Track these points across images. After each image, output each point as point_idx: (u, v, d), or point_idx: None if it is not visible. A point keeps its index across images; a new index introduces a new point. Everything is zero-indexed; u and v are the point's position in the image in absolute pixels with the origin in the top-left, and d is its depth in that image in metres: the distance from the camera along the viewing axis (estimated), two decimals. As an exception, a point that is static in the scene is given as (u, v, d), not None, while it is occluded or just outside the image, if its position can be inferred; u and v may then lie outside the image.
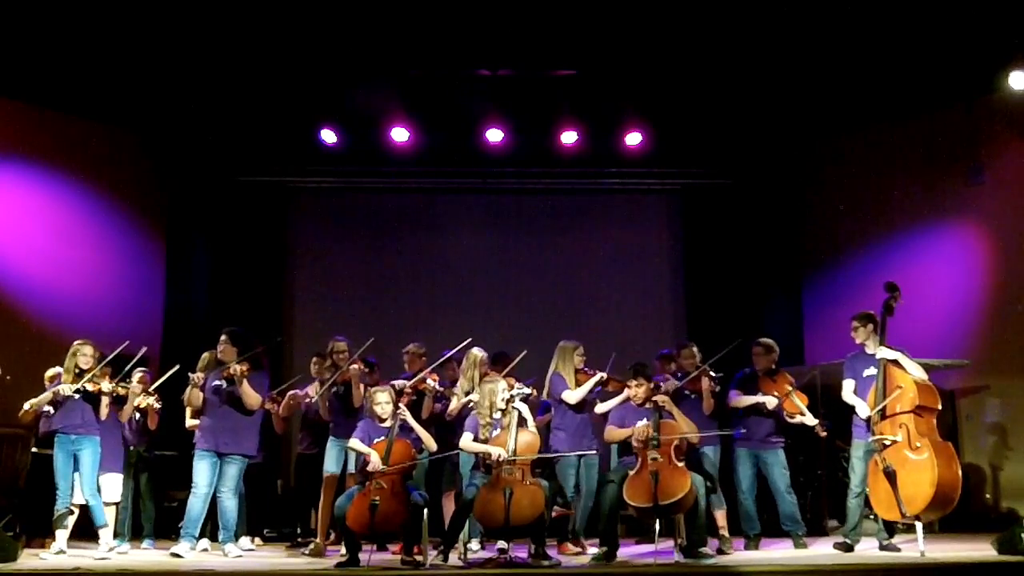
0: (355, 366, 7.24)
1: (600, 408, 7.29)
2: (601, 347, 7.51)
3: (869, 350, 6.78)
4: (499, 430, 6.40)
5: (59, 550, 6.79)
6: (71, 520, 7.03)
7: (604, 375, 7.26)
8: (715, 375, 7.13)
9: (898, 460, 6.24)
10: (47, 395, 6.98)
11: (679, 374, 7.34)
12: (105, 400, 7.01)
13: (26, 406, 7.04)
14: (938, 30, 8.74)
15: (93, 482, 6.99)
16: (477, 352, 7.37)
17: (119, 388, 7.11)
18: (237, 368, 6.87)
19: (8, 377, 7.67)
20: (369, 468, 6.26)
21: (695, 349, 7.40)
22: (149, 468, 8.03)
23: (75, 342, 7.08)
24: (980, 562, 5.74)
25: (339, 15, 8.81)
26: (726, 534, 7.14)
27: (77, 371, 6.97)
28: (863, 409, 6.60)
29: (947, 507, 6.25)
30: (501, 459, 6.16)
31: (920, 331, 8.97)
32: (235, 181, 10.81)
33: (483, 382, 6.77)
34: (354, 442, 6.48)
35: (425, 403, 7.36)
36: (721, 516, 7.14)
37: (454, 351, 7.58)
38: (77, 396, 6.88)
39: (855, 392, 6.78)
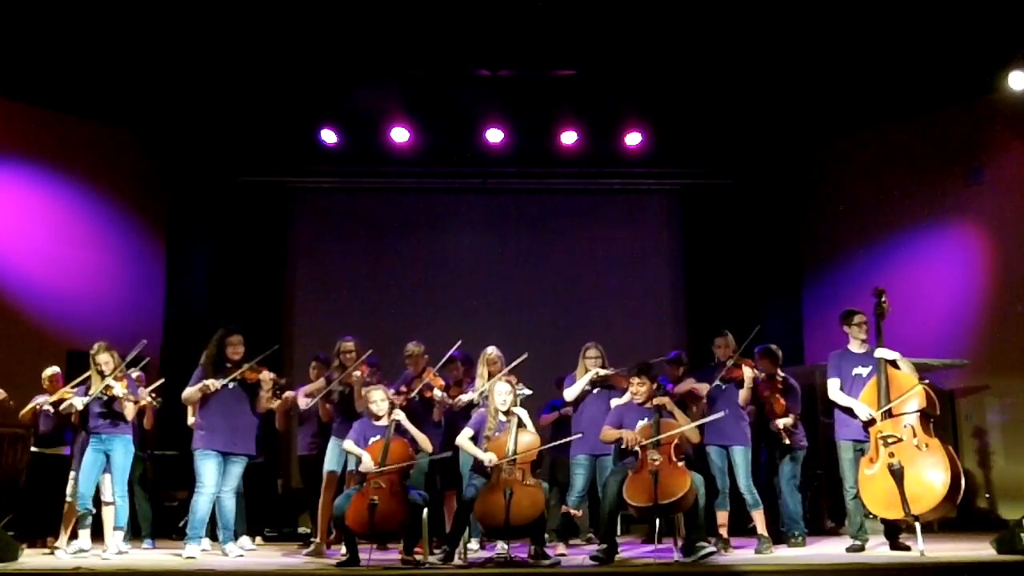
0: (357, 373, 7.23)
1: (568, 393, 7.22)
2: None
3: (856, 349, 6.76)
4: (501, 432, 6.42)
5: (79, 549, 6.83)
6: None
7: (597, 371, 7.11)
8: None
9: (906, 459, 6.14)
10: (76, 400, 6.97)
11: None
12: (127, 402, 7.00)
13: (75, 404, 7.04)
14: (938, 30, 8.75)
15: (124, 482, 7.01)
16: (490, 351, 7.35)
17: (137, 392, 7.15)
18: (268, 378, 6.95)
19: (12, 402, 7.65)
20: (361, 469, 6.28)
21: (731, 337, 7.17)
22: (145, 468, 8.03)
23: (95, 344, 7.02)
24: (980, 562, 5.72)
25: (339, 15, 8.82)
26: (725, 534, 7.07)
27: (100, 374, 6.95)
28: (863, 411, 6.49)
29: (951, 509, 6.22)
30: (491, 464, 6.20)
31: (920, 331, 8.99)
32: (236, 181, 10.82)
33: (493, 382, 6.76)
34: (348, 444, 6.50)
35: (435, 412, 7.36)
36: (723, 517, 7.00)
37: (452, 351, 7.58)
38: (103, 398, 6.87)
39: (841, 391, 6.71)
